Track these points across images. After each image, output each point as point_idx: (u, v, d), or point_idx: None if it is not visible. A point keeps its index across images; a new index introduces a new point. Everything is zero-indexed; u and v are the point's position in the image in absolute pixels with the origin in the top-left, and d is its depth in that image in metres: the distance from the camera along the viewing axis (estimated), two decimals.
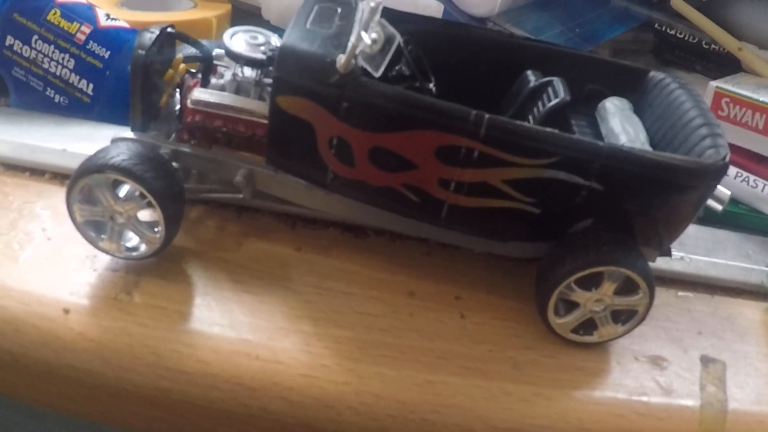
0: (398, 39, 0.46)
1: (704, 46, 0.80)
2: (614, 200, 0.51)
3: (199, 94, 0.54)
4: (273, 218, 0.60)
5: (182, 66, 0.57)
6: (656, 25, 0.82)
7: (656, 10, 0.82)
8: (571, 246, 0.52)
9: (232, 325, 0.52)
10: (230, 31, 0.55)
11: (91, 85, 0.64)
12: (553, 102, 0.52)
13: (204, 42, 0.59)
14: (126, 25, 0.64)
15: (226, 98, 0.54)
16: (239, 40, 0.55)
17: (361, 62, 0.47)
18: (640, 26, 0.81)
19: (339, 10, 0.55)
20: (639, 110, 0.59)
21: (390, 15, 0.58)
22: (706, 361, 0.55)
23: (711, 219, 0.67)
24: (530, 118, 0.55)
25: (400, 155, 0.50)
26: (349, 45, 0.48)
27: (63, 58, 0.64)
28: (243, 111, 0.54)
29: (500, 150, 0.49)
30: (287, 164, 0.54)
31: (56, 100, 0.65)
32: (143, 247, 0.54)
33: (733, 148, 0.66)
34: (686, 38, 0.81)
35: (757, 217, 0.67)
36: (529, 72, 0.58)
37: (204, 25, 0.69)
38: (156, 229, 0.52)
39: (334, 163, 0.52)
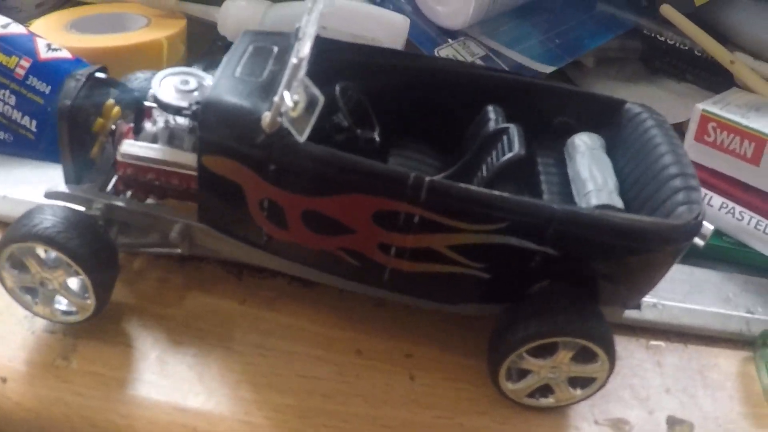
0: (321, 101, 0.42)
1: (696, 53, 0.74)
2: (572, 264, 0.47)
3: (127, 147, 0.51)
4: (218, 266, 0.57)
5: (116, 110, 0.53)
6: (645, 32, 0.77)
7: (644, 16, 0.77)
8: (523, 313, 0.48)
9: (170, 393, 0.49)
10: (160, 74, 0.52)
11: (34, 122, 0.61)
12: (507, 157, 0.48)
13: (142, 77, 0.55)
14: (68, 55, 0.61)
15: (155, 151, 0.51)
16: (168, 85, 0.51)
17: (286, 124, 0.43)
18: (627, 33, 0.75)
19: (275, 50, 0.51)
20: (612, 146, 0.55)
21: (333, 46, 0.55)
22: (672, 423, 0.52)
23: (693, 254, 0.62)
24: (484, 168, 0.50)
25: (336, 220, 0.46)
26: (274, 103, 0.44)
27: (4, 95, 0.60)
28: (174, 164, 0.50)
29: (443, 215, 0.45)
30: (220, 224, 0.51)
31: (1, 137, 0.62)
32: (78, 314, 0.51)
33: (719, 176, 0.62)
34: (677, 45, 0.75)
35: (743, 251, 0.63)
36: (489, 108, 0.53)
37: (153, 48, 0.65)
38: (87, 296, 0.50)
39: (267, 225, 0.49)
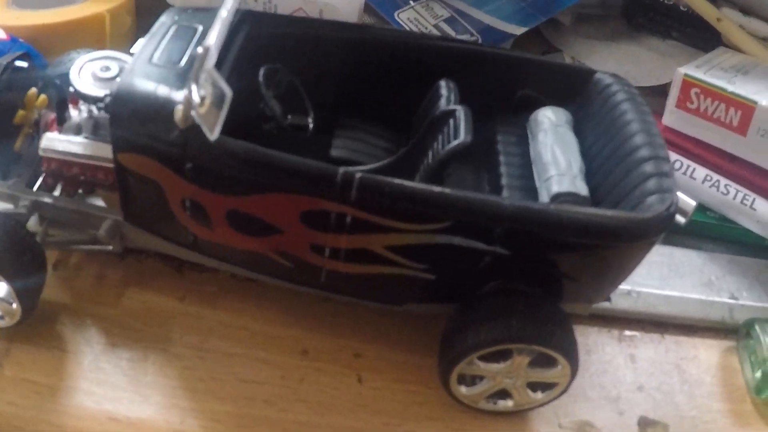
0: (229, 96, 0.37)
1: (682, 9, 0.68)
2: (527, 263, 0.43)
3: (47, 141, 0.47)
4: (158, 259, 0.53)
5: (41, 99, 0.49)
6: None
7: None
8: (473, 317, 0.44)
9: (103, 402, 0.46)
10: (81, 60, 0.47)
11: None
12: (451, 145, 0.44)
13: (76, 57, 0.51)
14: (2, 36, 0.56)
15: (76, 145, 0.47)
16: (87, 73, 0.47)
17: (197, 120, 0.39)
18: None
19: (199, 29, 0.47)
20: (580, 121, 0.50)
21: (268, 20, 0.50)
22: (644, 424, 0.48)
23: (675, 231, 0.58)
24: (430, 154, 0.46)
25: (261, 220, 0.42)
26: (185, 97, 0.39)
27: None
28: (97, 158, 0.46)
29: (378, 215, 0.41)
30: (145, 223, 0.47)
31: None
32: (6, 319, 0.48)
33: (703, 146, 0.57)
34: (661, 0, 0.69)
35: (728, 227, 0.58)
36: (441, 84, 0.48)
37: (95, 23, 0.60)
38: (12, 302, 0.46)
39: (192, 225, 0.45)
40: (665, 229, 0.42)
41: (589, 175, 0.47)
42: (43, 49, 0.55)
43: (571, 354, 0.44)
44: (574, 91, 0.51)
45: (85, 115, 0.48)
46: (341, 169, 0.40)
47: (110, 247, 0.49)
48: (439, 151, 0.45)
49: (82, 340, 0.49)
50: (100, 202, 0.51)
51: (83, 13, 0.61)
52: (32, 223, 0.48)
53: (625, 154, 0.45)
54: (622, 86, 0.49)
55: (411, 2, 0.61)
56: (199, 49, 0.38)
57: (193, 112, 0.39)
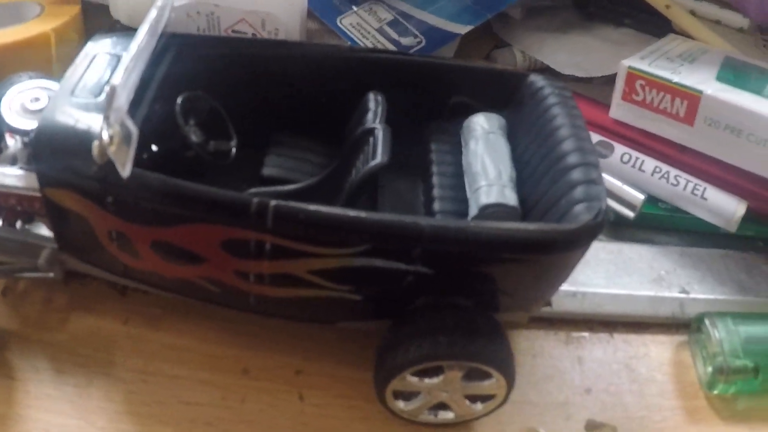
0: (135, 135, 0.37)
1: None
2: (453, 280, 0.43)
3: None
4: (103, 282, 0.53)
5: None
6: None
7: None
8: (404, 333, 0.44)
9: (50, 429, 0.46)
10: (13, 90, 0.47)
11: None
12: (368, 166, 0.43)
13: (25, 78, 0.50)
14: None
15: (10, 177, 0.47)
16: (17, 104, 0.47)
17: (111, 156, 0.39)
18: None
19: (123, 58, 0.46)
20: (514, 126, 0.50)
21: (198, 42, 0.50)
22: (592, 427, 0.48)
23: (625, 225, 0.57)
24: (353, 172, 0.45)
25: (184, 249, 0.42)
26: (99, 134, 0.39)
27: None
28: (30, 189, 0.46)
29: (295, 241, 0.41)
30: (78, 253, 0.47)
31: None
32: None
33: (652, 137, 0.56)
34: None
35: (680, 218, 0.57)
36: (369, 97, 0.48)
37: (41, 42, 0.60)
38: None
39: (121, 255, 0.45)
40: (593, 238, 0.42)
41: (521, 183, 0.47)
42: None
43: (504, 366, 0.43)
44: (508, 95, 0.50)
45: (19, 145, 0.48)
46: (255, 199, 0.39)
47: (51, 275, 0.49)
48: (360, 170, 0.44)
49: (29, 366, 0.49)
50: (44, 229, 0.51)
51: (27, 34, 0.61)
52: None
53: (554, 161, 0.45)
54: (554, 89, 0.48)
55: (353, 7, 0.61)
56: (107, 88, 0.37)
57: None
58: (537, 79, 0.49)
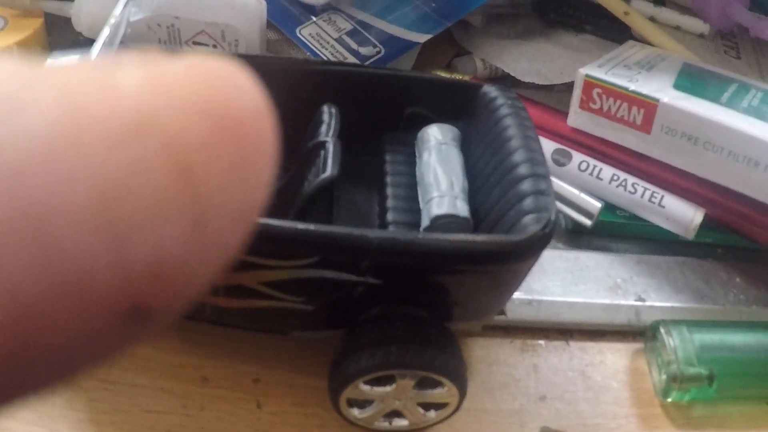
0: None
1: (593, 1, 0.67)
2: (403, 290, 0.43)
3: None
4: None
5: None
6: None
7: None
8: (357, 343, 0.44)
9: None
10: None
11: None
12: (317, 180, 0.44)
13: None
14: None
15: None
16: None
17: None
18: None
19: None
20: (468, 136, 0.50)
21: None
22: None
23: (584, 233, 0.58)
24: (305, 185, 0.46)
25: None
26: None
27: None
28: None
29: (246, 254, 0.41)
30: None
31: None
32: None
33: (611, 145, 0.57)
34: None
35: (639, 225, 0.58)
36: (323, 109, 0.48)
37: None
38: None
39: None
40: (542, 249, 0.42)
41: (474, 194, 0.47)
42: None
43: (455, 375, 0.44)
44: (462, 106, 0.50)
45: None
46: None
47: None
48: (311, 183, 0.45)
49: None
50: None
51: None
52: None
53: (505, 172, 0.45)
54: (507, 99, 0.48)
55: (312, 17, 0.61)
56: None
57: None
58: (490, 90, 0.49)
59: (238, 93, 0.14)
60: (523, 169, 0.44)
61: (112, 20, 0.44)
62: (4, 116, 0.11)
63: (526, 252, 0.42)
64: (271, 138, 0.15)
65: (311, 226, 0.40)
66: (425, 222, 0.46)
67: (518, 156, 0.45)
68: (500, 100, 0.48)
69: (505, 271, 0.43)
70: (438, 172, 0.47)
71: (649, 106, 0.54)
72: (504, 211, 0.44)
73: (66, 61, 0.50)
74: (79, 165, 0.11)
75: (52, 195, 0.11)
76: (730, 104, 0.54)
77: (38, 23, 0.64)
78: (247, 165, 0.14)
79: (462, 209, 0.46)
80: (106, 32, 0.43)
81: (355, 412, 0.47)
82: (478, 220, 0.46)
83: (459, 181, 0.47)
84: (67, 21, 0.62)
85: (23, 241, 0.10)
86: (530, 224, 0.42)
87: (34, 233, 0.11)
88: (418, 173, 0.49)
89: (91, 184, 0.11)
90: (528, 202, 0.43)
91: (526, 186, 0.44)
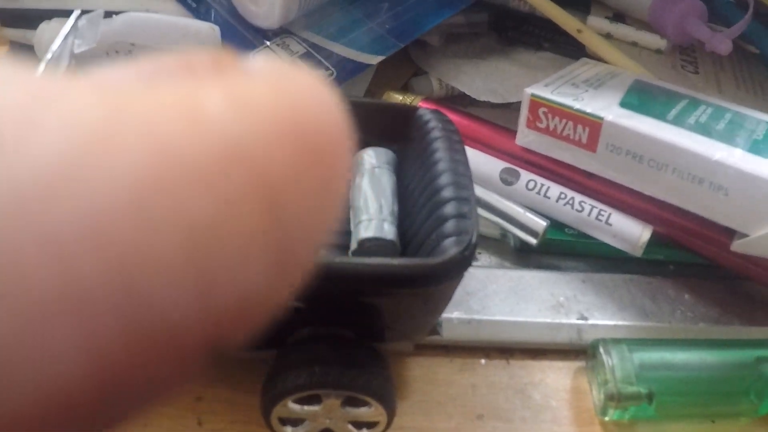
0: None
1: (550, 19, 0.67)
2: (328, 312, 0.44)
3: None
4: None
5: None
6: (492, 1, 0.69)
7: None
8: (284, 363, 0.46)
9: None
10: None
11: None
12: None
13: None
14: None
15: None
16: None
17: None
18: (474, 5, 0.68)
19: None
20: (404, 159, 0.51)
21: None
22: None
23: (532, 251, 0.58)
24: None
25: None
26: None
27: None
28: None
29: None
30: None
31: None
32: None
33: (559, 164, 0.57)
34: (532, 11, 0.68)
35: (586, 243, 0.58)
36: None
37: None
38: None
39: None
40: (462, 271, 0.43)
41: (404, 217, 0.48)
42: None
43: (380, 394, 0.45)
44: (398, 130, 0.51)
45: None
46: None
47: None
48: None
49: None
50: None
51: None
52: None
53: (430, 195, 0.46)
54: (438, 123, 0.49)
55: (266, 41, 0.62)
56: None
57: None
58: (424, 113, 0.50)
59: (322, 111, 0.13)
60: (446, 193, 0.45)
61: (49, 55, 0.46)
62: (90, 159, 0.10)
63: (445, 275, 0.42)
64: (349, 156, 0.14)
65: None
66: (353, 245, 0.47)
67: (444, 179, 0.46)
68: (432, 124, 0.49)
69: (426, 293, 0.44)
70: (368, 195, 0.48)
71: (594, 124, 0.54)
72: (427, 234, 0.45)
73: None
74: (168, 213, 0.10)
75: (140, 248, 0.10)
76: (676, 121, 0.54)
77: (2, 51, 0.67)
78: (330, 187, 0.13)
79: (389, 232, 0.47)
80: (41, 68, 0.45)
81: (288, 430, 0.48)
82: (406, 242, 0.47)
83: (388, 204, 0.48)
84: (29, 48, 0.64)
85: (110, 298, 0.10)
86: (450, 247, 0.42)
87: (122, 291, 0.10)
88: (350, 196, 0.50)
89: (182, 234, 0.10)
90: (449, 225, 0.44)
91: (448, 209, 0.44)
